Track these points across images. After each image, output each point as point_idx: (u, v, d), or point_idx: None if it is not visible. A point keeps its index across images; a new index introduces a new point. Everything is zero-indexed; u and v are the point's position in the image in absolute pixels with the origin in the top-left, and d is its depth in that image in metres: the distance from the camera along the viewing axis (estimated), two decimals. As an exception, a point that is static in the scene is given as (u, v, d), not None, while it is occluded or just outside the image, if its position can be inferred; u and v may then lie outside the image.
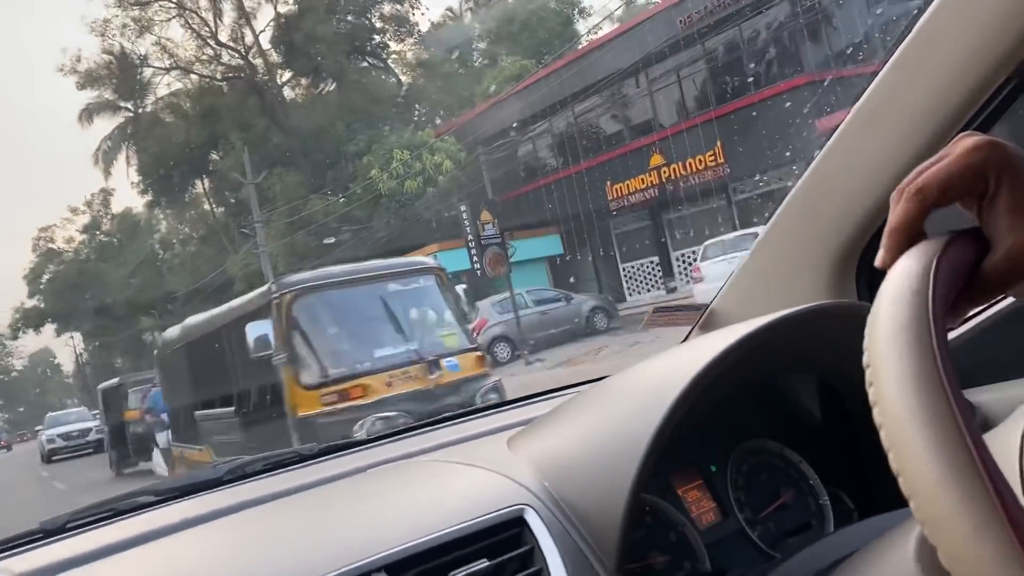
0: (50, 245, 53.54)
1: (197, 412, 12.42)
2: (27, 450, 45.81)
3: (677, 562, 1.28)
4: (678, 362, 1.26)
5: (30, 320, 50.99)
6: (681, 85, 26.68)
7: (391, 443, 1.78)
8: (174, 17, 40.92)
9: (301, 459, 1.73)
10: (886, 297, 0.65)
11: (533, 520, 1.18)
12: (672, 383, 1.15)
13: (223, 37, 41.77)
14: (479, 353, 10.57)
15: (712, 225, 24.23)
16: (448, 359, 9.74)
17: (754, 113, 22.41)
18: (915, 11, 1.32)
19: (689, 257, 25.69)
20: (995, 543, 0.55)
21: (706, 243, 19.38)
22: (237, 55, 41.69)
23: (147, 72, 43.70)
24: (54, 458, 31.24)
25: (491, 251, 23.33)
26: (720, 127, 24.35)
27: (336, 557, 1.10)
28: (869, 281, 1.50)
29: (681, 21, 24.98)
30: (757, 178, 23.06)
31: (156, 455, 13.35)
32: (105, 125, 45.25)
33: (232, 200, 43.18)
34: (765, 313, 1.24)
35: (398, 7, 40.99)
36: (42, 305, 51.41)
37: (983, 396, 1.31)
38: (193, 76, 42.33)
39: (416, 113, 41.06)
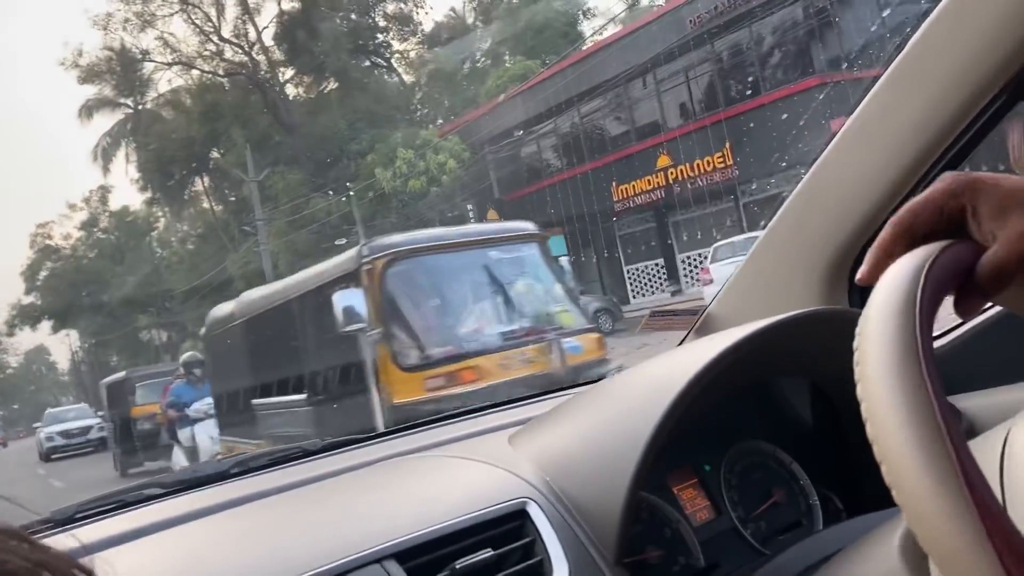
0: (48, 242, 53.66)
1: (256, 401, 11.34)
2: (23, 448, 45.35)
3: (672, 557, 1.35)
4: (676, 364, 1.33)
5: (26, 317, 51.01)
6: (690, 86, 26.67)
7: (394, 439, 1.85)
8: (177, 12, 40.99)
9: (306, 454, 1.78)
10: (875, 304, 0.71)
11: (535, 513, 1.24)
12: (670, 385, 1.22)
13: (226, 33, 41.87)
14: (599, 334, 9.54)
15: (720, 227, 24.20)
16: (568, 340, 8.58)
17: (765, 115, 22.40)
18: (916, 19, 1.38)
19: (695, 260, 25.68)
20: (969, 536, 0.61)
21: (716, 245, 19.35)
22: (240, 51, 41.75)
23: (148, 68, 43.82)
24: (53, 456, 30.33)
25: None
26: (729, 128, 24.33)
27: (346, 545, 1.16)
28: (861, 288, 1.56)
29: (691, 21, 24.98)
30: (766, 180, 23.05)
31: (177, 454, 12.32)
32: (105, 121, 45.34)
33: (232, 198, 43.23)
34: (760, 318, 1.31)
35: (402, 6, 41.06)
36: (39, 302, 51.42)
37: (969, 402, 1.38)
38: (195, 72, 42.42)
39: (419, 113, 41.05)
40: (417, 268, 8.76)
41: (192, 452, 11.75)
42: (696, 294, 21.55)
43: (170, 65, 42.59)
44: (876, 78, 1.43)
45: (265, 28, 41.28)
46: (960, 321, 1.51)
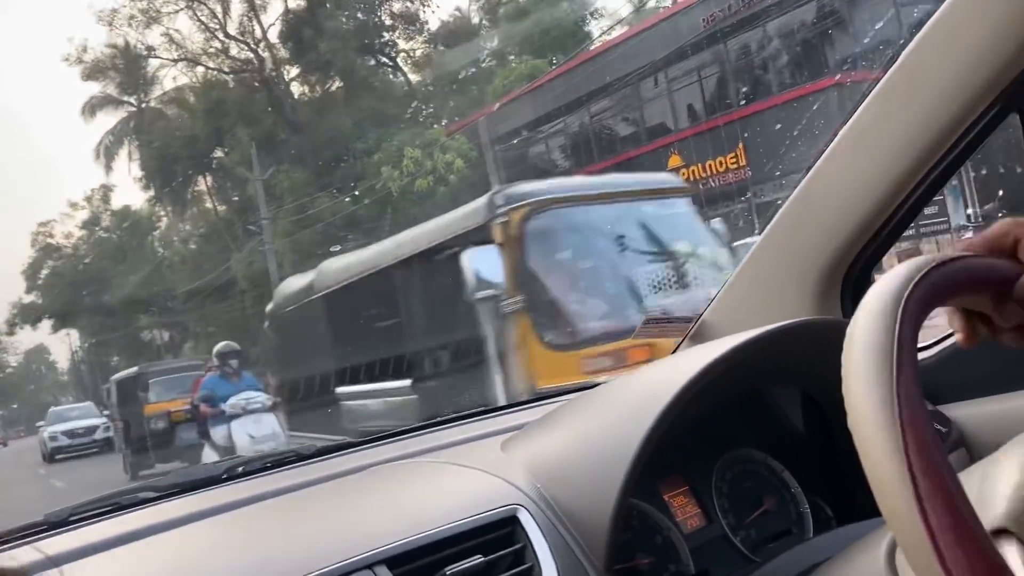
0: (49, 240, 53.75)
1: (341, 389, 10.12)
2: (23, 447, 45.09)
3: (662, 564, 1.38)
4: (667, 372, 1.36)
5: (27, 316, 51.12)
6: (702, 85, 26.64)
7: (387, 444, 1.87)
8: (183, 9, 41.05)
9: (300, 458, 1.81)
10: (859, 317, 0.75)
11: (526, 519, 1.27)
12: (661, 392, 1.25)
13: (231, 30, 41.92)
14: None
15: (732, 229, 24.10)
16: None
17: (779, 115, 22.35)
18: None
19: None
20: (918, 544, 0.65)
21: (735, 244, 19.30)
22: (246, 47, 41.79)
23: (152, 65, 43.87)
24: (57, 457, 29.08)
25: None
26: (743, 128, 24.28)
27: (337, 551, 1.19)
28: (853, 297, 1.60)
29: (704, 20, 24.96)
30: (780, 181, 23.01)
31: (209, 455, 11.17)
32: (108, 120, 45.40)
33: (235, 197, 43.26)
34: (754, 326, 1.34)
35: (408, 4, 41.10)
36: (40, 301, 51.53)
37: (961, 411, 1.41)
38: (199, 69, 42.46)
39: (423, 112, 41.08)
40: (566, 222, 7.39)
41: (228, 452, 10.58)
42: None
43: (175, 62, 42.70)
44: (871, 88, 1.46)
45: (271, 25, 41.37)
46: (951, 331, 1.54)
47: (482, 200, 7.76)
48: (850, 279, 1.60)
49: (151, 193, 45.92)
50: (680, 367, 1.31)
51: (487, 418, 1.95)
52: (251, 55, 41.67)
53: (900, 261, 0.80)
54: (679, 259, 7.47)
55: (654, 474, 1.43)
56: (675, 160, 26.38)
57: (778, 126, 21.71)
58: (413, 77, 42.75)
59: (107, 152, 45.36)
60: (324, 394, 10.34)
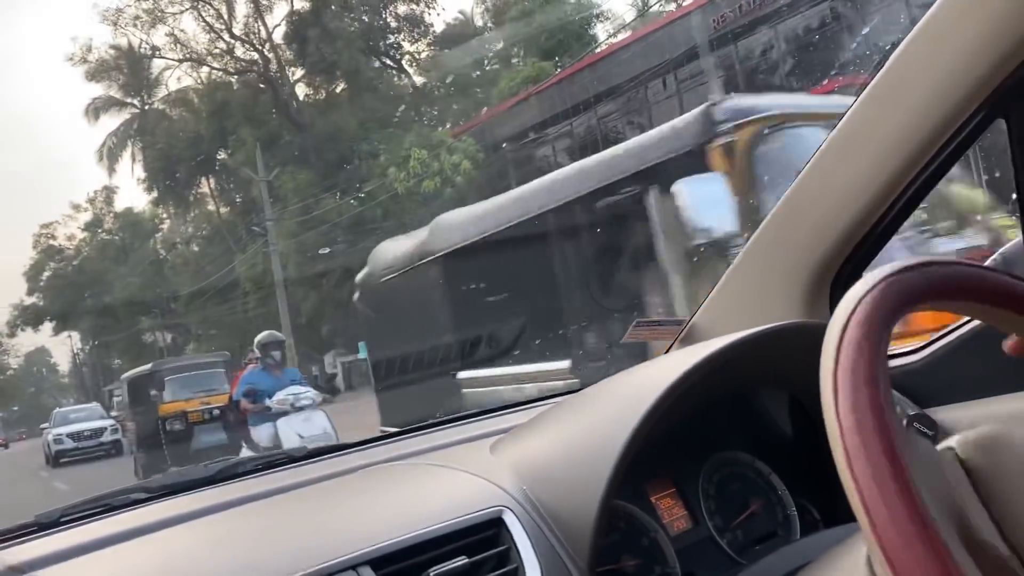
0: (51, 242, 53.95)
1: (465, 374, 8.25)
2: (25, 450, 44.57)
3: (648, 566, 1.40)
4: (653, 374, 1.39)
5: (28, 318, 51.29)
6: (711, 87, 26.64)
7: (377, 447, 1.90)
8: (188, 9, 41.17)
9: (290, 460, 1.84)
10: (833, 322, 0.78)
11: (511, 521, 1.29)
12: (646, 394, 1.27)
13: (237, 31, 42.04)
14: None
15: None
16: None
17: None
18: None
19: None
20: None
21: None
22: (251, 48, 41.89)
23: (157, 66, 44.08)
24: (62, 460, 27.75)
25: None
26: (752, 129, 24.22)
27: (322, 552, 1.21)
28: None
29: (714, 21, 24.98)
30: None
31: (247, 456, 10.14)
32: (111, 121, 45.60)
33: (238, 199, 43.44)
34: (743, 328, 1.37)
35: (413, 7, 41.20)
36: (41, 303, 51.69)
37: (948, 415, 1.42)
38: (204, 70, 42.63)
39: (427, 115, 41.15)
40: (805, 145, 5.09)
41: (272, 454, 9.74)
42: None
43: (180, 62, 42.84)
44: (859, 92, 1.48)
45: (277, 26, 41.49)
46: (940, 334, 1.56)
47: (693, 115, 6.19)
48: (839, 282, 1.62)
49: (154, 195, 46.09)
50: (667, 368, 1.33)
51: (477, 421, 1.97)
52: (256, 56, 41.81)
53: None
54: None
55: (641, 476, 1.46)
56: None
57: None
58: (418, 79, 42.85)
59: (110, 154, 45.57)
60: (439, 379, 8.39)
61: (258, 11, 41.11)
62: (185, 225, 48.69)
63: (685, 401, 1.29)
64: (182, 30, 42.60)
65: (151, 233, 50.44)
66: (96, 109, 44.58)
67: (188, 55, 42.44)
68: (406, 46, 42.73)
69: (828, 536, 1.31)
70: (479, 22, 42.77)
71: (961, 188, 5.94)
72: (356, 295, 10.76)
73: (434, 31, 42.38)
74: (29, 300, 52.60)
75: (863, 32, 22.02)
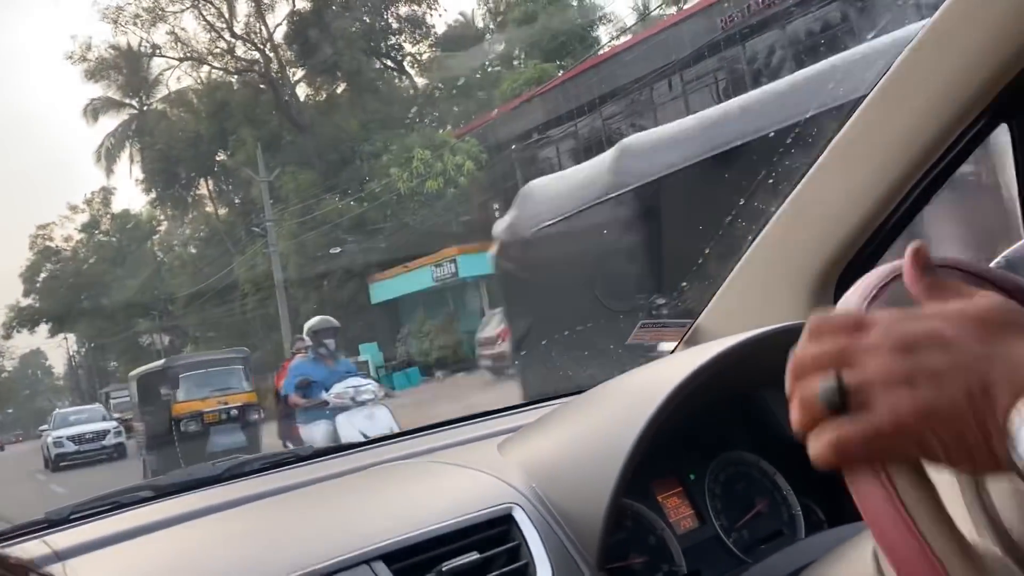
0: (48, 243, 53.97)
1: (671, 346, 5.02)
2: (21, 452, 43.80)
3: (655, 564, 1.43)
4: (660, 374, 1.42)
5: (24, 320, 51.26)
6: (718, 87, 26.63)
7: (385, 446, 1.94)
8: (188, 8, 41.20)
9: (298, 459, 1.87)
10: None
11: (521, 518, 1.33)
12: (653, 394, 1.30)
13: (238, 31, 42.08)
14: None
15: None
16: None
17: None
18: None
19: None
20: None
21: None
22: (252, 47, 41.91)
23: (156, 66, 44.13)
24: (62, 464, 26.57)
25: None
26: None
27: (336, 547, 1.25)
28: (846, 303, 1.65)
29: (722, 20, 24.97)
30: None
31: None
32: (109, 122, 45.67)
33: (237, 200, 43.47)
34: (747, 330, 1.39)
35: (415, 7, 41.24)
36: (37, 304, 51.65)
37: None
38: (204, 70, 42.67)
39: (431, 115, 41.18)
40: None
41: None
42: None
43: (181, 60, 42.86)
44: (864, 96, 1.52)
45: (278, 26, 41.52)
46: None
47: None
48: (843, 285, 1.65)
49: (152, 196, 46.12)
50: (673, 369, 1.36)
51: (484, 421, 2.00)
52: (257, 55, 41.82)
53: None
54: None
55: (648, 475, 1.49)
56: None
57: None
58: (419, 80, 42.90)
59: (108, 155, 45.61)
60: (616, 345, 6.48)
61: (259, 10, 41.16)
62: (183, 226, 48.71)
63: (691, 401, 1.32)
64: (183, 28, 42.73)
65: (149, 234, 50.48)
66: (95, 109, 44.68)
67: (188, 54, 42.50)
68: (407, 47, 42.83)
69: (833, 535, 1.33)
70: (480, 24, 42.86)
71: None
72: (495, 251, 8.46)
73: (435, 32, 42.48)
74: (25, 302, 52.56)
75: (870, 36, 21.99)
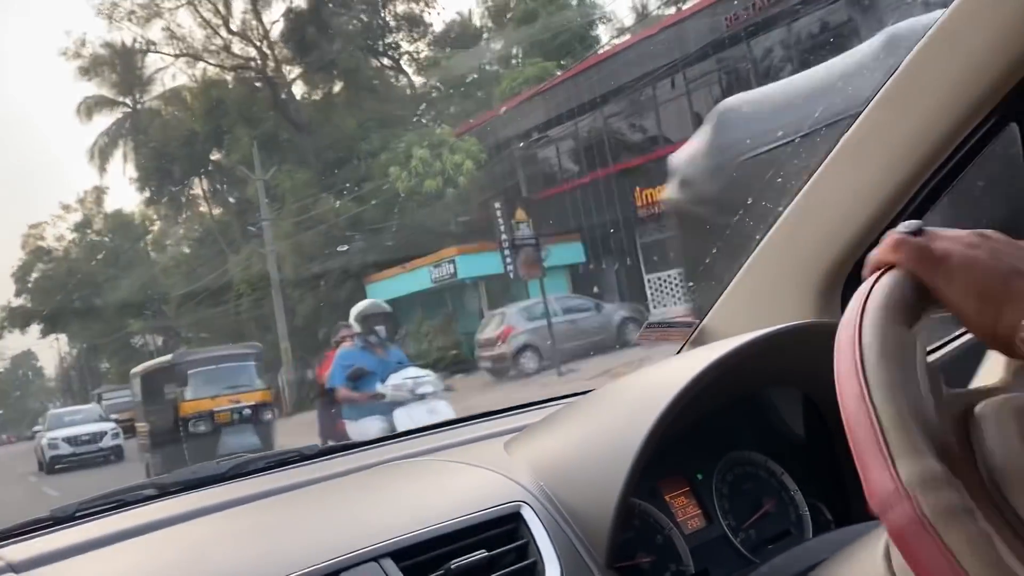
0: (40, 243, 53.93)
1: None
2: (12, 454, 43.53)
3: (662, 563, 1.45)
4: (667, 374, 1.44)
5: (16, 320, 51.24)
6: (724, 84, 26.62)
7: (388, 445, 1.96)
8: (184, 4, 41.19)
9: (303, 458, 1.89)
10: (844, 319, 0.83)
11: (529, 516, 1.35)
12: (661, 394, 1.32)
13: (234, 27, 42.08)
14: None
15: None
16: None
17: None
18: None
19: (720, 268, 25.61)
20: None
21: None
22: (249, 44, 41.90)
23: (151, 64, 44.13)
24: (57, 467, 25.58)
25: (525, 252, 23.12)
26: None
27: (344, 544, 1.26)
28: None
29: (727, 19, 24.97)
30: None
31: None
32: (103, 120, 45.67)
33: (232, 199, 43.48)
34: (754, 330, 1.41)
35: (412, 5, 41.31)
36: (29, 305, 51.63)
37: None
38: (199, 68, 42.65)
39: (429, 114, 41.22)
40: None
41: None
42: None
43: (176, 57, 42.87)
44: (872, 95, 1.54)
45: (275, 23, 41.54)
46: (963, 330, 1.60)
47: None
48: (851, 285, 1.67)
49: (146, 195, 46.13)
50: (681, 368, 1.38)
51: (489, 420, 2.02)
52: (254, 52, 41.82)
53: None
54: None
55: (655, 475, 1.50)
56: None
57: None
58: (417, 79, 42.97)
59: (101, 153, 45.59)
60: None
61: (256, 7, 41.17)
62: (177, 226, 48.71)
63: (699, 401, 1.33)
64: (178, 24, 42.76)
65: (142, 234, 50.46)
66: (88, 108, 44.64)
67: (184, 50, 42.51)
68: (405, 46, 42.89)
69: (841, 535, 1.34)
70: (478, 22, 42.94)
71: None
72: (673, 187, 6.79)
73: (433, 31, 42.54)
74: (16, 302, 52.59)
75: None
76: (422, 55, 42.83)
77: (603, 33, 37.35)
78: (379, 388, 8.02)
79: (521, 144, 31.39)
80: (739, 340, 1.37)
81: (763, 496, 1.58)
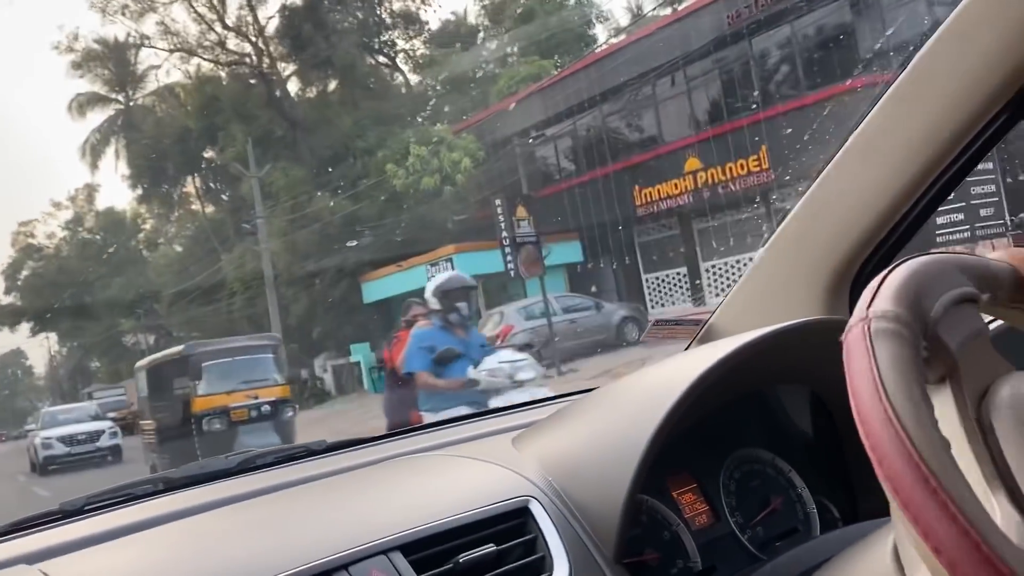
0: (30, 241, 53.83)
1: None
2: (3, 453, 43.45)
3: (670, 559, 1.47)
4: (675, 370, 1.47)
5: (5, 318, 51.15)
6: (723, 84, 26.62)
7: (395, 441, 1.98)
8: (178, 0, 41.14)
9: (310, 453, 1.91)
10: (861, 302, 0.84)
11: (537, 511, 1.37)
12: (669, 390, 1.35)
13: (229, 22, 42.01)
14: None
15: (753, 234, 24.09)
16: None
17: (806, 115, 22.25)
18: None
19: (721, 269, 25.69)
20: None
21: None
22: (244, 39, 41.82)
23: (144, 59, 44.05)
24: (51, 468, 24.48)
25: (526, 250, 23.15)
26: (767, 130, 24.19)
27: (353, 538, 1.29)
28: (862, 301, 1.69)
29: (728, 17, 24.96)
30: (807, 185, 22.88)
31: None
32: (95, 117, 45.60)
33: (225, 197, 43.43)
34: (762, 327, 1.44)
35: (408, 3, 41.34)
36: (19, 303, 51.55)
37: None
38: (193, 63, 42.52)
39: (425, 111, 41.21)
40: None
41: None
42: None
43: (170, 52, 42.78)
44: (882, 92, 1.56)
45: (270, 19, 41.48)
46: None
47: None
48: (859, 283, 1.69)
49: (138, 192, 46.05)
50: (689, 365, 1.40)
51: (497, 416, 2.05)
52: (249, 48, 41.75)
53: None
54: None
55: (663, 471, 1.52)
56: (693, 163, 26.33)
57: (806, 127, 21.68)
58: (414, 77, 42.98)
59: (93, 150, 45.46)
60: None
61: (251, 3, 41.12)
62: (170, 224, 48.66)
63: (706, 398, 1.36)
64: (173, 19, 42.68)
65: (134, 232, 50.40)
66: (81, 104, 44.57)
67: (178, 45, 42.43)
68: (401, 43, 42.90)
69: (848, 533, 1.36)
70: (474, 20, 42.97)
71: None
72: None
73: (430, 28, 42.56)
74: (6, 300, 52.51)
75: (887, 32, 22.02)
76: (418, 53, 42.85)
77: (601, 32, 37.42)
78: (471, 374, 7.05)
79: (519, 142, 31.38)
80: (746, 337, 1.40)
81: (770, 493, 1.60)
